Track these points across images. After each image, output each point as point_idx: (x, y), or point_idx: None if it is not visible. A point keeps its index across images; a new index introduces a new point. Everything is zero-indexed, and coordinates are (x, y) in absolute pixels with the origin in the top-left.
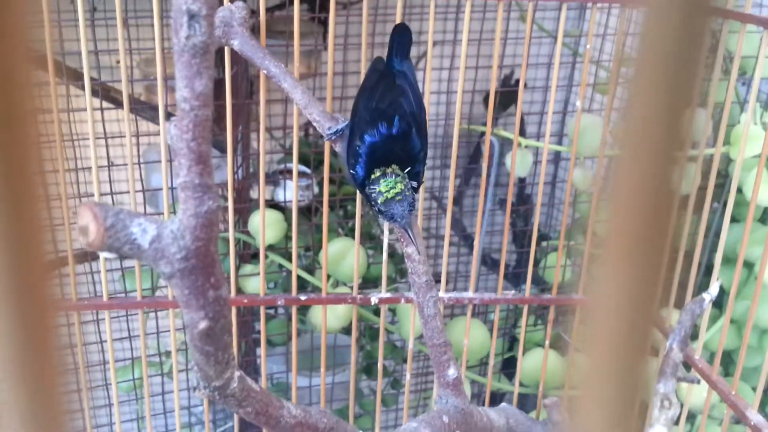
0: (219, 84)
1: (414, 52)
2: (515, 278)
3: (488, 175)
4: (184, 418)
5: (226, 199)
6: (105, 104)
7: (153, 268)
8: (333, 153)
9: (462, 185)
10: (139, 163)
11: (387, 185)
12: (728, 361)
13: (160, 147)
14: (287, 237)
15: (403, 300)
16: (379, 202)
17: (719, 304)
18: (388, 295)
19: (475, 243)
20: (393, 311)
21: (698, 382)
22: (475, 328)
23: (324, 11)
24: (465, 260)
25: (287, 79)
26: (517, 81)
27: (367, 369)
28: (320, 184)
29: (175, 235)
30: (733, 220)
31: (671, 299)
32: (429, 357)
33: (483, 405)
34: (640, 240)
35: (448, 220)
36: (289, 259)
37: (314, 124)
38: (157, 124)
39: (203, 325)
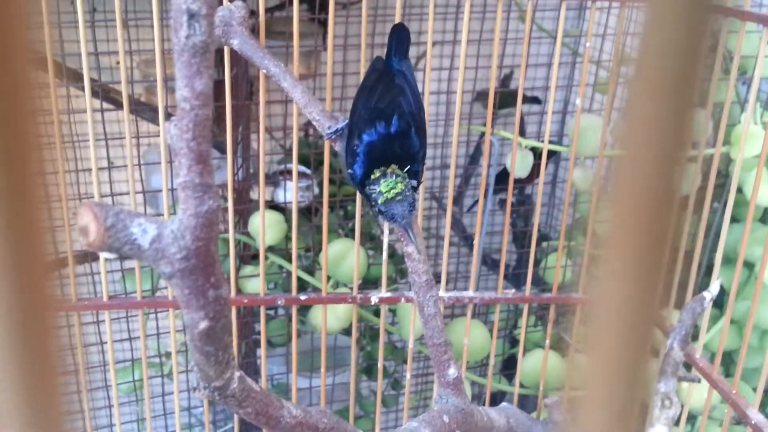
0: (219, 85)
1: (413, 52)
2: (515, 278)
3: (488, 175)
4: (184, 419)
5: (226, 199)
6: (105, 105)
7: (153, 268)
8: (333, 153)
9: (462, 185)
10: (139, 164)
11: (387, 185)
12: (729, 361)
13: (160, 148)
14: (287, 238)
15: (403, 299)
16: (379, 202)
17: (720, 304)
18: (388, 294)
19: (475, 243)
20: (393, 312)
21: (699, 381)
22: (476, 329)
23: (324, 12)
24: (465, 260)
25: (287, 78)
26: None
27: (368, 370)
28: (320, 185)
29: (176, 235)
30: (734, 219)
31: (672, 299)
32: (429, 357)
33: (483, 406)
34: (640, 240)
35: (448, 220)
36: (290, 260)
37: (314, 123)
38: (158, 124)
39: (203, 325)
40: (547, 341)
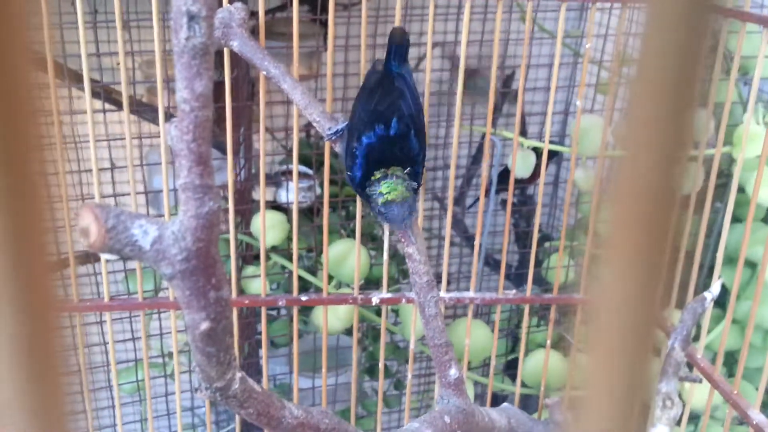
0: (220, 86)
1: (415, 52)
2: (518, 279)
3: (490, 175)
4: (187, 419)
5: (227, 200)
6: (107, 106)
7: (154, 269)
8: (334, 154)
9: (464, 185)
10: (141, 165)
11: (388, 187)
12: (732, 361)
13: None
14: (290, 238)
15: (404, 300)
16: (379, 203)
17: (722, 304)
18: (390, 295)
19: (476, 243)
20: (396, 312)
21: (700, 381)
22: (478, 329)
23: (325, 12)
24: (467, 261)
25: (287, 79)
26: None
27: (370, 370)
28: (323, 185)
29: (176, 237)
30: (737, 220)
31: (673, 299)
32: (431, 357)
33: (485, 406)
34: (641, 240)
35: (448, 221)
36: (292, 261)
37: (314, 124)
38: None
39: (204, 326)
40: (548, 342)
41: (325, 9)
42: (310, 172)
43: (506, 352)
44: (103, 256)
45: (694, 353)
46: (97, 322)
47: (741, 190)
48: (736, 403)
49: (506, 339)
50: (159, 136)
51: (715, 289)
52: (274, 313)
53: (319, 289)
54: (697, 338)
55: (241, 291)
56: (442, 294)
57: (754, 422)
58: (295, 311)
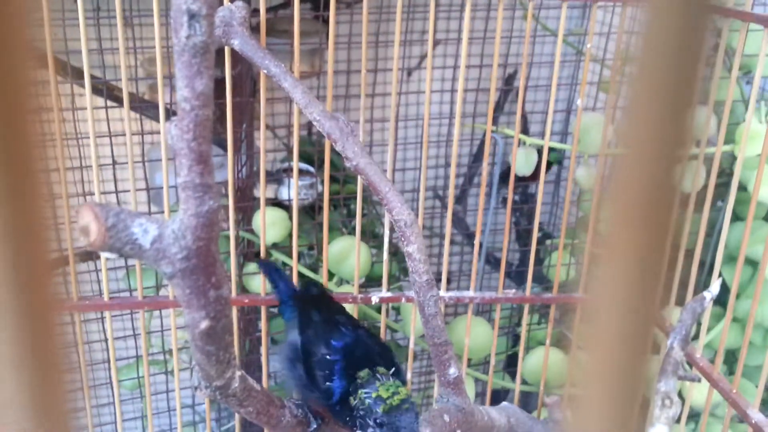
0: (222, 83)
1: (417, 51)
2: (519, 277)
3: (491, 174)
4: (188, 416)
5: (228, 197)
6: (109, 103)
7: (154, 268)
8: (334, 151)
9: (466, 184)
10: (143, 162)
11: (387, 390)
12: (732, 359)
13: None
14: (291, 235)
15: (404, 299)
16: (379, 411)
17: (723, 302)
18: (389, 294)
19: (476, 242)
20: (397, 310)
21: (699, 380)
22: (480, 326)
23: (327, 10)
24: (468, 259)
25: (287, 78)
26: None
27: None
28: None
29: (176, 235)
30: (738, 218)
31: (672, 298)
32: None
33: (486, 403)
34: (641, 238)
35: (449, 219)
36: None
37: (314, 124)
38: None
39: (204, 324)
40: (548, 341)
41: (327, 6)
42: (312, 169)
43: (506, 350)
44: (103, 255)
45: (693, 352)
46: (98, 319)
47: (742, 188)
48: (736, 402)
49: (507, 337)
50: (159, 133)
51: (714, 288)
52: (275, 310)
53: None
54: (696, 337)
55: (242, 288)
56: (442, 293)
57: (753, 421)
58: None
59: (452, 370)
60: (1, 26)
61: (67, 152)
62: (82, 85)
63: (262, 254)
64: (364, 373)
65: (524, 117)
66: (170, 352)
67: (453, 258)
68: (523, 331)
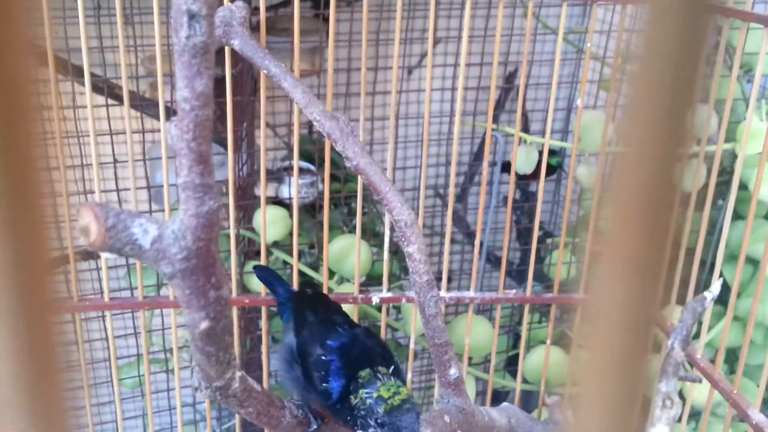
0: (223, 82)
1: (418, 49)
2: (520, 275)
3: (491, 172)
4: (189, 415)
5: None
6: (110, 101)
7: (154, 268)
8: (335, 150)
9: (466, 182)
10: (144, 161)
11: (388, 390)
12: (733, 358)
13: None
14: (292, 234)
15: (404, 300)
16: (380, 411)
17: (724, 301)
18: (390, 294)
19: (476, 242)
20: (397, 309)
21: (700, 380)
22: (481, 325)
23: (328, 8)
24: (469, 258)
25: (288, 78)
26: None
27: None
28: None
29: (176, 236)
30: (740, 217)
31: (673, 297)
32: None
33: (487, 402)
34: (641, 237)
35: (449, 219)
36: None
37: (315, 123)
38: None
39: (204, 325)
40: (548, 341)
41: (327, 4)
42: (313, 168)
43: (507, 349)
44: (103, 255)
45: (694, 353)
46: (99, 317)
47: (743, 187)
48: (736, 402)
49: (508, 336)
50: (161, 132)
51: (715, 288)
52: (276, 309)
53: (320, 285)
54: (697, 336)
55: (243, 287)
56: (443, 293)
57: (754, 422)
58: None
59: (453, 371)
60: (2, 25)
61: (67, 151)
62: (83, 84)
63: (263, 253)
64: (365, 373)
65: (525, 115)
66: (171, 350)
67: (453, 257)
68: (523, 330)
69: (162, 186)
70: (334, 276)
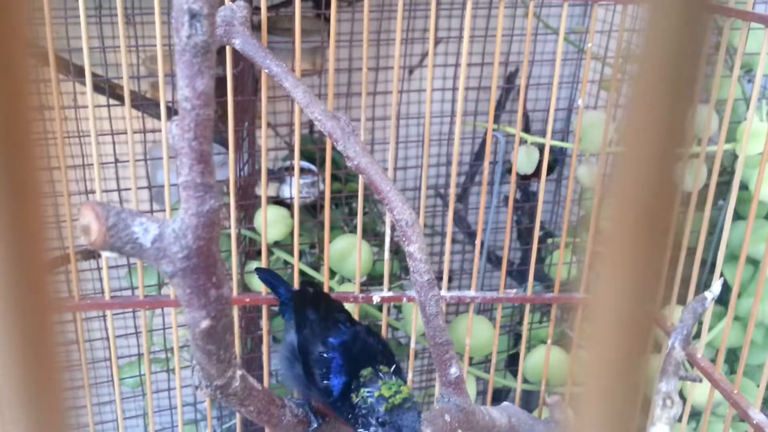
0: (225, 81)
1: (419, 49)
2: (520, 275)
3: (492, 172)
4: (190, 414)
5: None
6: (111, 101)
7: (154, 267)
8: (336, 149)
9: (467, 182)
10: (145, 160)
11: (389, 388)
12: (734, 358)
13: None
14: (293, 234)
15: (405, 299)
16: (381, 410)
17: (725, 301)
18: (390, 294)
19: (477, 241)
20: (398, 308)
21: (700, 380)
22: (481, 325)
23: (329, 8)
24: (470, 257)
25: (289, 78)
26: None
27: None
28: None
29: (177, 235)
30: (740, 217)
31: (674, 297)
32: None
33: (487, 401)
34: (640, 237)
35: (450, 219)
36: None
37: (316, 123)
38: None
39: (205, 324)
40: (549, 341)
41: (328, 5)
42: (314, 167)
43: (508, 349)
44: (104, 254)
45: (695, 352)
46: (100, 317)
47: (744, 187)
48: (737, 402)
49: (508, 335)
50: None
51: (715, 288)
52: (276, 308)
53: (321, 285)
54: (698, 336)
55: (244, 286)
56: (443, 293)
57: (755, 421)
58: None
59: (453, 370)
60: (3, 25)
61: (69, 150)
62: (85, 83)
63: (263, 252)
64: (366, 372)
65: (525, 115)
66: (172, 350)
67: (454, 256)
68: (524, 329)
69: (163, 186)
70: (335, 276)
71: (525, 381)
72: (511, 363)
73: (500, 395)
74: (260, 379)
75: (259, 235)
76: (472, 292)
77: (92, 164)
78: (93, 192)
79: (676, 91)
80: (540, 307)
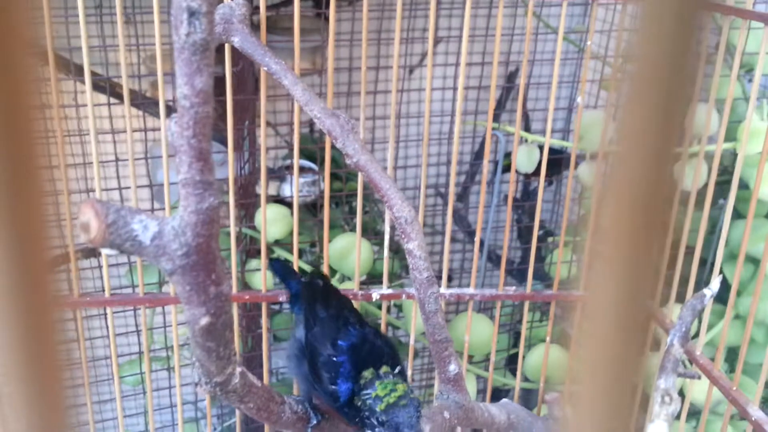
0: (225, 80)
1: (420, 48)
2: (521, 274)
3: (494, 171)
4: (191, 413)
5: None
6: (112, 100)
7: (154, 264)
8: (337, 148)
9: (468, 181)
10: (146, 159)
11: (385, 387)
12: (735, 357)
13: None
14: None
15: (404, 296)
16: (377, 410)
17: (725, 300)
18: (390, 291)
19: (476, 239)
20: (399, 307)
21: (699, 377)
22: (482, 323)
23: (329, 7)
24: (470, 257)
25: (288, 76)
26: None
27: None
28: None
29: (176, 232)
30: (740, 216)
31: (672, 295)
32: None
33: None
34: (637, 235)
35: (449, 217)
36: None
37: (315, 121)
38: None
39: (204, 321)
40: (548, 338)
41: (328, 4)
42: (314, 166)
43: (508, 347)
44: (104, 251)
45: (694, 350)
46: (100, 315)
47: (743, 186)
48: (736, 399)
49: (509, 334)
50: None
51: (714, 285)
52: (277, 307)
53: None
54: (697, 335)
55: (244, 284)
56: (443, 290)
57: (753, 419)
58: None
59: (452, 367)
60: (3, 24)
61: (70, 149)
62: (84, 82)
63: (263, 251)
64: (367, 373)
65: (526, 114)
66: (172, 348)
67: (455, 256)
68: (523, 328)
69: (163, 184)
70: (336, 274)
71: (525, 380)
72: (512, 362)
73: (500, 394)
74: (262, 378)
75: (259, 233)
76: (471, 290)
77: (92, 163)
78: (93, 191)
79: (672, 89)
80: (540, 305)
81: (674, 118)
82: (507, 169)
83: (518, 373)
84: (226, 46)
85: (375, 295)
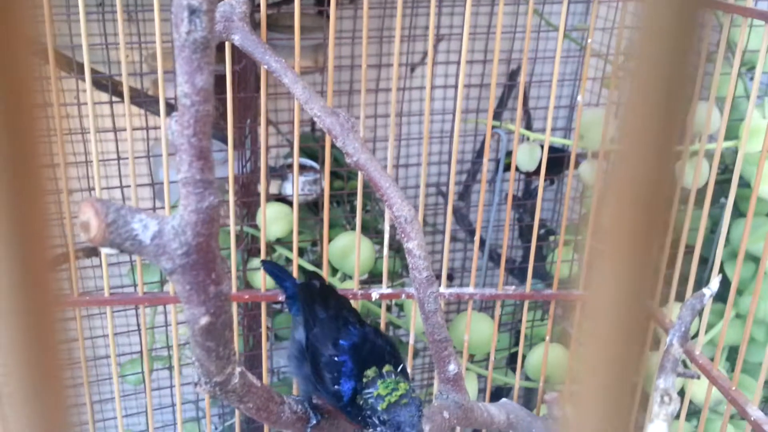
0: (226, 78)
1: (421, 47)
2: (522, 273)
3: (495, 170)
4: (192, 412)
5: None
6: (114, 98)
7: (154, 263)
8: (336, 147)
9: (469, 180)
10: (147, 157)
11: (387, 386)
12: (735, 355)
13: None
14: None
15: (404, 296)
16: (379, 409)
17: (725, 299)
18: (389, 291)
19: (476, 238)
20: (400, 306)
21: (698, 377)
22: (483, 323)
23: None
24: (471, 256)
25: (288, 74)
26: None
27: None
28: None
29: (176, 231)
30: (741, 214)
31: (672, 294)
32: None
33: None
34: (637, 234)
35: (449, 216)
36: (298, 254)
37: (315, 119)
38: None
39: (204, 320)
40: (547, 337)
41: (330, 2)
42: (316, 165)
43: (509, 346)
44: (104, 251)
45: (693, 349)
46: (101, 315)
47: (744, 184)
48: (735, 399)
49: (509, 333)
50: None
51: (713, 285)
52: (278, 306)
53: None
54: (697, 334)
55: (246, 283)
56: (442, 290)
57: (752, 418)
58: None
59: (452, 367)
60: (5, 23)
61: (71, 148)
62: (85, 80)
63: (263, 250)
64: (370, 372)
65: (527, 113)
66: (173, 347)
67: (456, 255)
68: (523, 327)
69: (161, 183)
70: (336, 273)
71: (526, 379)
72: (513, 361)
73: (501, 393)
74: (262, 377)
75: (261, 231)
76: (470, 289)
77: (89, 161)
78: (94, 189)
79: (673, 87)
80: (541, 305)
81: (675, 116)
82: (508, 167)
83: (518, 372)
84: (227, 44)
85: (374, 294)
